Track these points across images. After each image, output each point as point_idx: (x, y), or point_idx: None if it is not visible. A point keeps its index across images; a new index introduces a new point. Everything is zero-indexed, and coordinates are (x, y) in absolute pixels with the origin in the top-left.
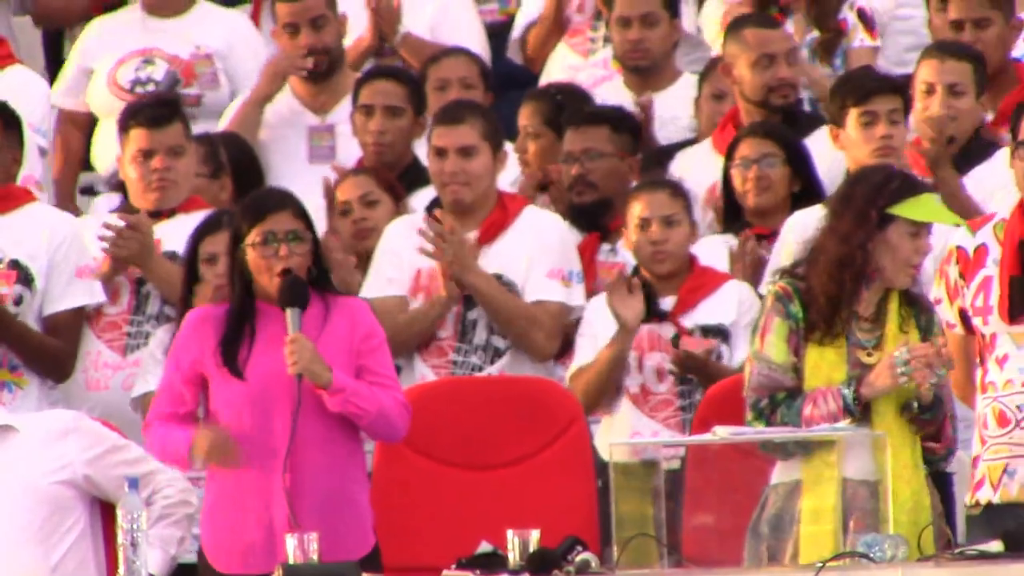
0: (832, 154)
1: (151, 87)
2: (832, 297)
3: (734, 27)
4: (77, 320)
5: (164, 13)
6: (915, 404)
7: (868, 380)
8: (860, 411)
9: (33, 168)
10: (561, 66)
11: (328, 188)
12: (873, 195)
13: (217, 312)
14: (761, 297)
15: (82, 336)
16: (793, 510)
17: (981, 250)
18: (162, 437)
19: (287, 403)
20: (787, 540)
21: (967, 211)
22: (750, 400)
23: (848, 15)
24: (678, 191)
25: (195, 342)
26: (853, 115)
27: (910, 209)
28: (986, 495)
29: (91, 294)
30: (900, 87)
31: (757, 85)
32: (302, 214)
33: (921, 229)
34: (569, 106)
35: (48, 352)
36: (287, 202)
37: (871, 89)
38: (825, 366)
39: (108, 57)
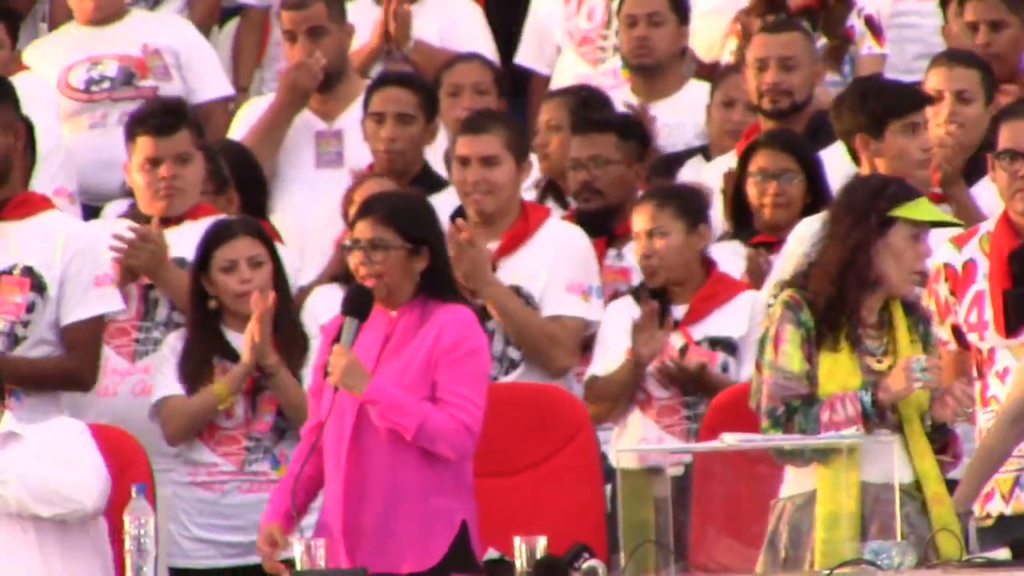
0: (849, 167)
1: (106, 84)
2: (835, 302)
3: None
4: (96, 328)
5: (101, 23)
6: (928, 423)
7: (884, 385)
8: (879, 416)
9: (68, 180)
10: (570, 75)
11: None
12: (872, 198)
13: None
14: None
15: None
16: (811, 519)
17: (970, 265)
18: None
19: (352, 414)
20: (806, 549)
21: (971, 219)
22: (765, 409)
23: (855, 22)
24: (667, 200)
25: (323, 352)
26: (897, 125)
27: (910, 210)
28: (997, 507)
29: (109, 302)
30: (926, 101)
31: (752, 89)
32: (395, 219)
33: (921, 232)
34: (590, 106)
35: (60, 375)
36: (372, 208)
37: (916, 100)
38: (840, 373)
39: (55, 68)
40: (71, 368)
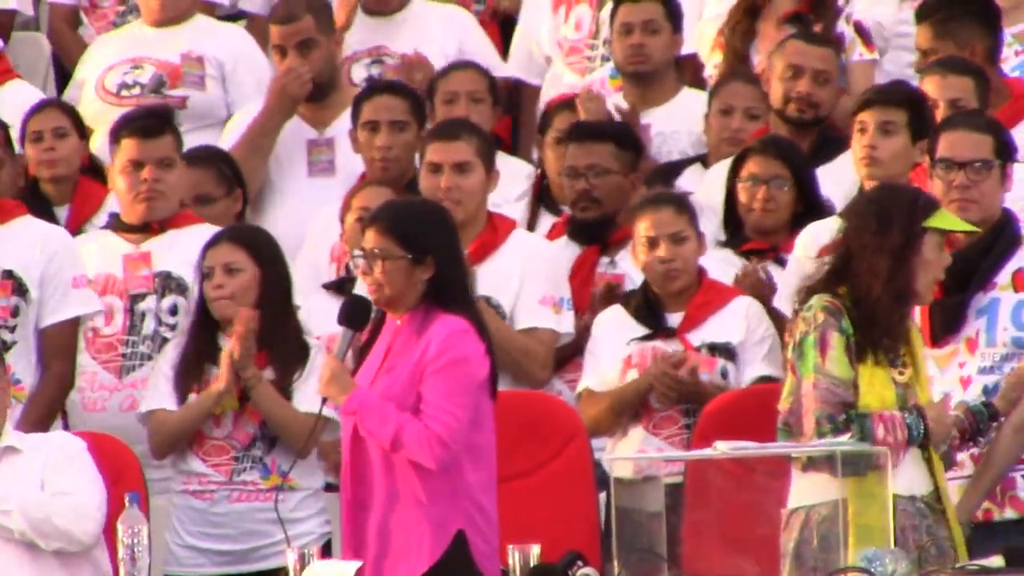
0: (854, 178)
1: (136, 90)
2: (884, 316)
3: (785, 39)
4: (74, 330)
5: (164, 24)
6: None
7: (938, 417)
8: (922, 445)
9: None
10: (559, 85)
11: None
12: (913, 210)
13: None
14: (770, 312)
15: (78, 352)
16: (838, 530)
17: None
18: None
19: (350, 425)
20: (837, 561)
21: None
22: (823, 414)
23: (845, 29)
24: (683, 206)
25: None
26: (854, 123)
27: (940, 220)
28: None
29: (86, 304)
30: (903, 100)
31: (779, 94)
32: (397, 229)
33: (944, 242)
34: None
35: (61, 394)
36: (376, 219)
37: (867, 100)
38: (878, 385)
39: (100, 66)
40: (62, 380)
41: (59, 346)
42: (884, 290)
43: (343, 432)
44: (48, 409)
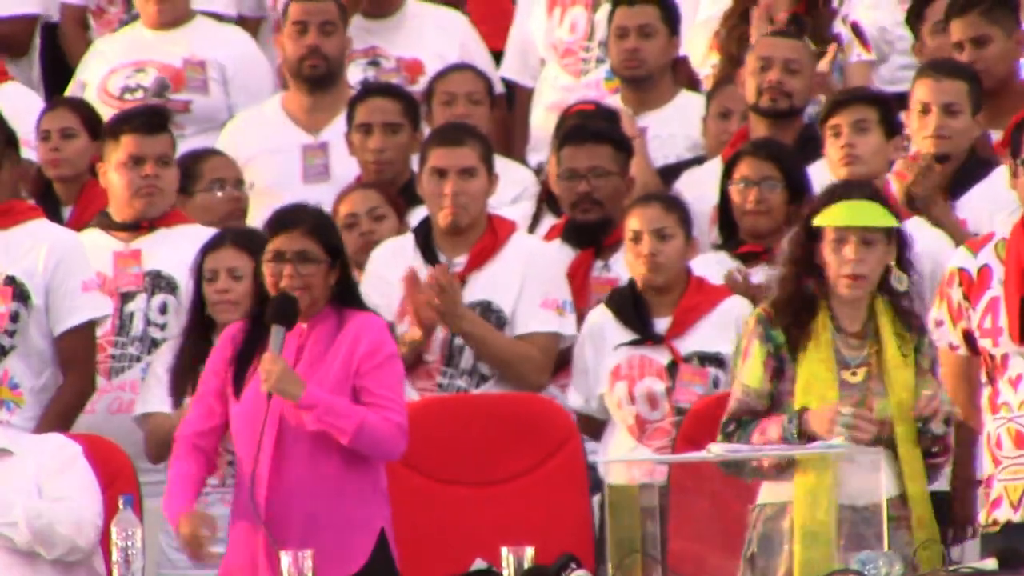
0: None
1: (140, 94)
2: (791, 309)
3: (758, 39)
4: (90, 334)
5: (163, 27)
6: (929, 432)
7: (807, 419)
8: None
9: None
10: (553, 87)
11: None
12: (810, 211)
13: (243, 327)
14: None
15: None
16: (782, 530)
17: (985, 271)
18: (171, 481)
19: (272, 422)
20: (778, 561)
21: (959, 236)
22: (722, 421)
23: (842, 30)
24: (672, 205)
25: (221, 356)
26: (826, 130)
27: (826, 217)
28: (1005, 515)
29: (98, 307)
30: (872, 98)
31: (752, 88)
32: (318, 232)
33: (845, 237)
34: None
35: (79, 398)
36: (300, 220)
37: (836, 103)
38: (817, 384)
39: (102, 69)
40: (81, 385)
41: (76, 351)
42: (787, 291)
43: (242, 432)
44: (63, 417)
